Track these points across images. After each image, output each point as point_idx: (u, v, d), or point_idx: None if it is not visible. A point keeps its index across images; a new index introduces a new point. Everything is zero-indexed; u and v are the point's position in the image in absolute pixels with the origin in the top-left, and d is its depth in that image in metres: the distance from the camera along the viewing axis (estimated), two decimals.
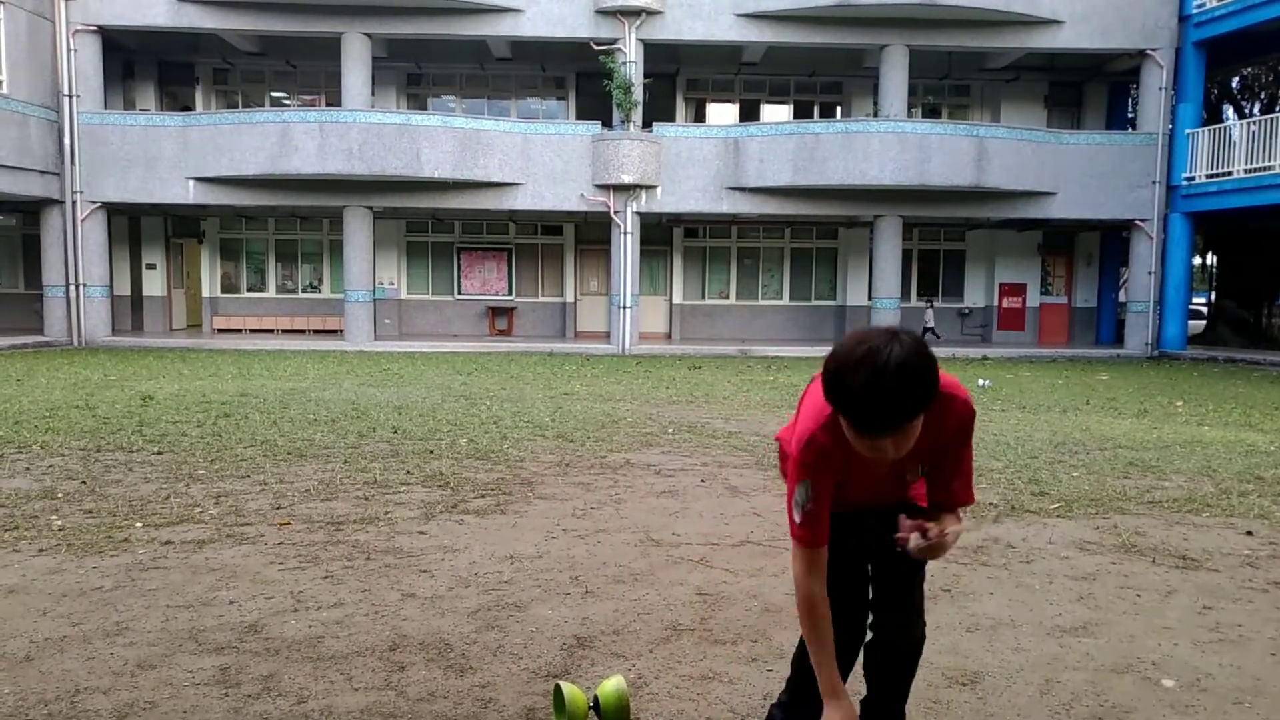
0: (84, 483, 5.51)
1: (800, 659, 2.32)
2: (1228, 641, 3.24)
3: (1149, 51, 18.84)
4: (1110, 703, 2.74)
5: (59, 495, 5.19)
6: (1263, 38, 18.46)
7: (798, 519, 2.07)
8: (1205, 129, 18.83)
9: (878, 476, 2.13)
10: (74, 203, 18.33)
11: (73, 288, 18.56)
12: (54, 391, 10.16)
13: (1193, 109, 19.01)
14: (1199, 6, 18.31)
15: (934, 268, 22.36)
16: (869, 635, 2.32)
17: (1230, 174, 17.85)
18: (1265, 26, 17.32)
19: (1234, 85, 27.33)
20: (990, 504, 5.19)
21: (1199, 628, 3.36)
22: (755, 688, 2.83)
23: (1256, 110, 26.48)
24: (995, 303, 21.90)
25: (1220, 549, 4.40)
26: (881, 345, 1.77)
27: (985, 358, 18.30)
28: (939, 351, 12.71)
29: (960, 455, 2.12)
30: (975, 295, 22.27)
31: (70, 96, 18.12)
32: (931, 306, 20.63)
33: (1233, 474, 6.24)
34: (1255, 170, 17.26)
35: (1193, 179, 18.63)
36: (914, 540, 2.02)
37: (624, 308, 18.88)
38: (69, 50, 18.05)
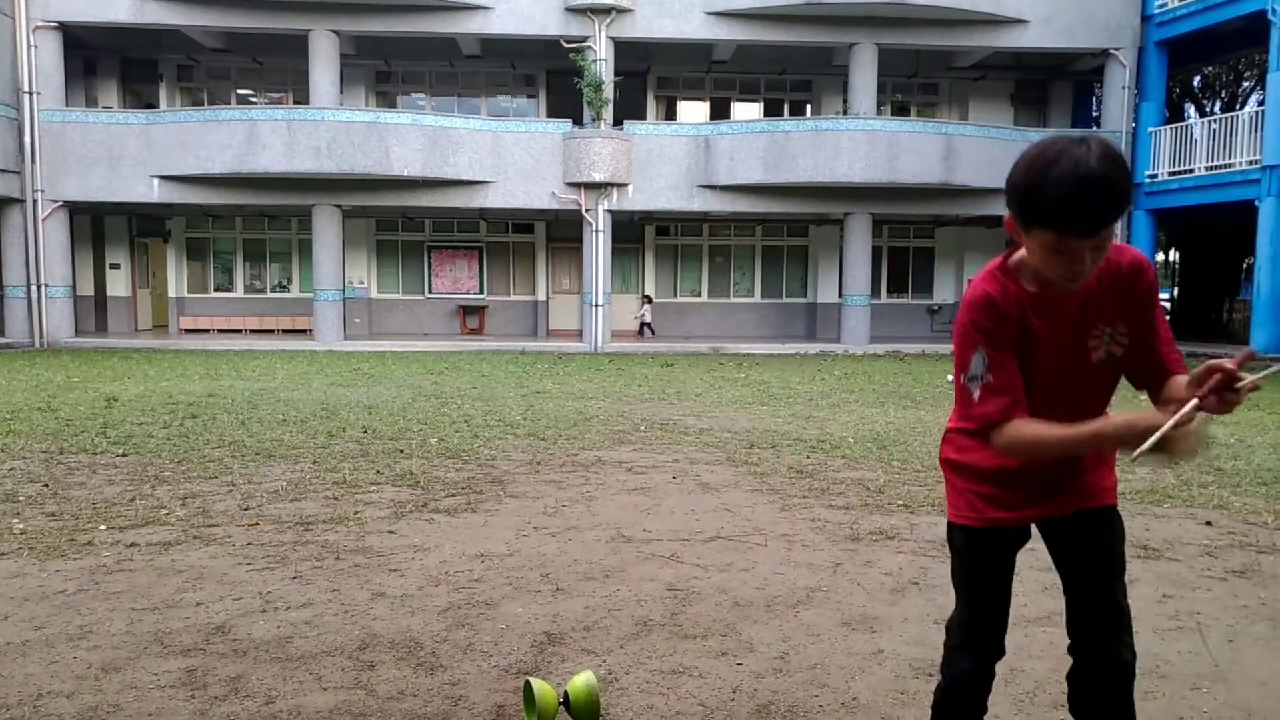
0: (46, 485, 5.43)
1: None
2: (1187, 629, 3.30)
3: (1112, 51, 19.12)
4: None
5: (20, 499, 5.10)
6: (1223, 37, 18.79)
7: (976, 396, 1.78)
8: (1167, 127, 19.13)
9: (1066, 352, 1.83)
10: (35, 202, 18.01)
11: (34, 288, 18.24)
12: (14, 394, 9.98)
13: (1155, 107, 19.31)
14: (1161, 6, 18.60)
15: (903, 265, 22.58)
16: (1071, 662, 1.99)
17: (1192, 171, 18.15)
18: (1225, 26, 17.63)
19: (1195, 84, 27.79)
20: None
21: (1159, 616, 3.43)
22: (725, 682, 2.85)
23: (1217, 109, 26.95)
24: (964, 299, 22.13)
25: (1180, 539, 4.48)
26: (1074, 143, 1.63)
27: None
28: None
29: (1158, 320, 1.88)
30: (944, 292, 22.50)
31: (30, 94, 17.79)
32: (650, 302, 21.23)
33: (1193, 466, 6.36)
34: (1216, 168, 17.56)
35: (1155, 176, 18.92)
36: (1212, 399, 1.75)
37: (596, 306, 18.88)
38: (29, 47, 17.72)
